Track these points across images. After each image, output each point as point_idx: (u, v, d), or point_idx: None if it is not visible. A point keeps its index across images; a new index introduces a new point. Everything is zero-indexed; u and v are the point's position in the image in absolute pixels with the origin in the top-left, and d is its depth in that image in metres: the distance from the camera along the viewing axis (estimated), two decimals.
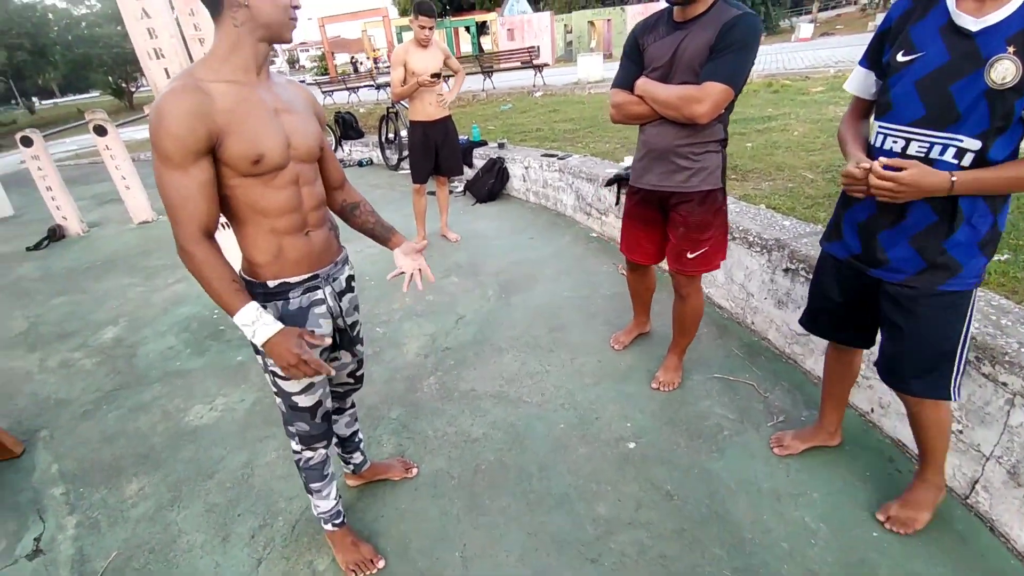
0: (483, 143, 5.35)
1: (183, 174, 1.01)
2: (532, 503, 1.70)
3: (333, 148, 7.30)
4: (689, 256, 1.83)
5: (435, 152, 3.58)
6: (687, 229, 1.80)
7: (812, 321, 1.60)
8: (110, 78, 25.27)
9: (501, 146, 5.03)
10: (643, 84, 1.66)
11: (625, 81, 1.73)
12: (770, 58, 12.23)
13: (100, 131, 5.10)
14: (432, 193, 4.07)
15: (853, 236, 1.34)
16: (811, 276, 2.06)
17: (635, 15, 23.96)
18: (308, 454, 1.44)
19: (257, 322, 1.09)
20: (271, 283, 1.20)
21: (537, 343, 2.54)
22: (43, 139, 5.11)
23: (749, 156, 3.92)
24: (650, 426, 1.96)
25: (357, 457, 1.76)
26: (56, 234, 5.09)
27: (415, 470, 1.86)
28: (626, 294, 2.92)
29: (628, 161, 3.84)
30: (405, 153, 6.29)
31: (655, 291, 2.39)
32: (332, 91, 13.91)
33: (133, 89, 26.76)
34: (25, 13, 20.58)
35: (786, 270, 2.24)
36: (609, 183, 3.49)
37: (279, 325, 1.11)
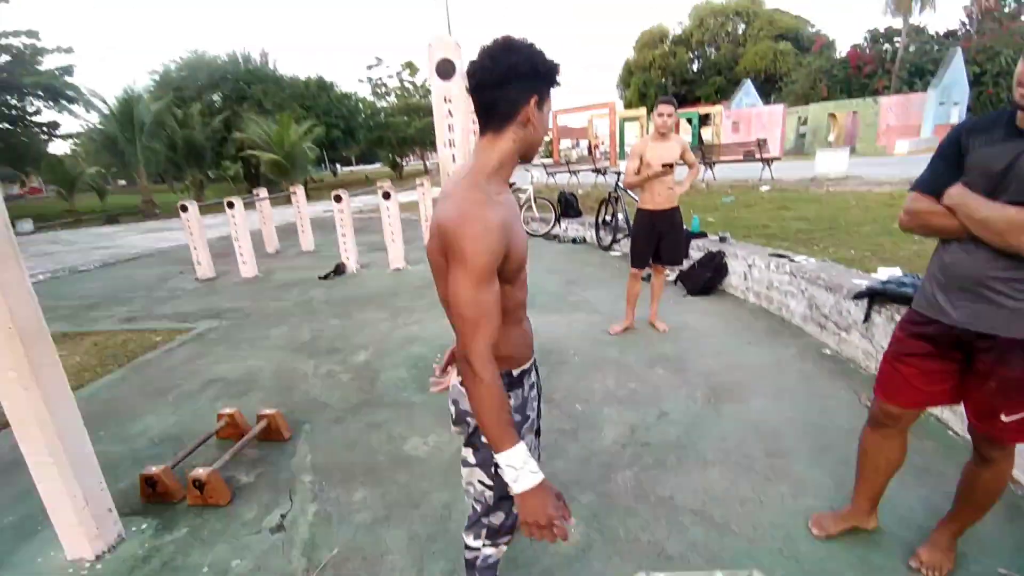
0: (702, 235, 5.22)
1: (488, 287, 0.99)
2: None
3: (552, 225, 8.04)
4: (1005, 419, 1.39)
5: (658, 240, 3.63)
6: (1006, 385, 1.37)
7: None
8: (391, 155, 32.73)
9: (723, 240, 4.84)
10: (961, 195, 1.34)
11: (932, 185, 1.42)
12: None
13: (386, 196, 6.55)
14: (646, 279, 4.09)
15: None
16: None
17: (890, 106, 21.29)
18: (489, 551, 1.35)
19: (524, 467, 1.00)
20: (515, 371, 1.20)
21: (751, 465, 2.25)
22: (349, 198, 6.79)
23: None
24: None
25: None
26: (340, 269, 6.60)
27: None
28: None
29: (883, 273, 3.30)
30: (619, 235, 6.52)
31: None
32: (555, 172, 15.44)
33: (405, 164, 34.23)
34: (343, 101, 28.40)
35: None
36: (858, 296, 3.03)
37: (541, 476, 1.02)
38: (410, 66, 32.15)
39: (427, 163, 39.63)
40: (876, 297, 2.93)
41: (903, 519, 1.88)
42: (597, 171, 10.36)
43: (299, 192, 8.68)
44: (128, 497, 2.34)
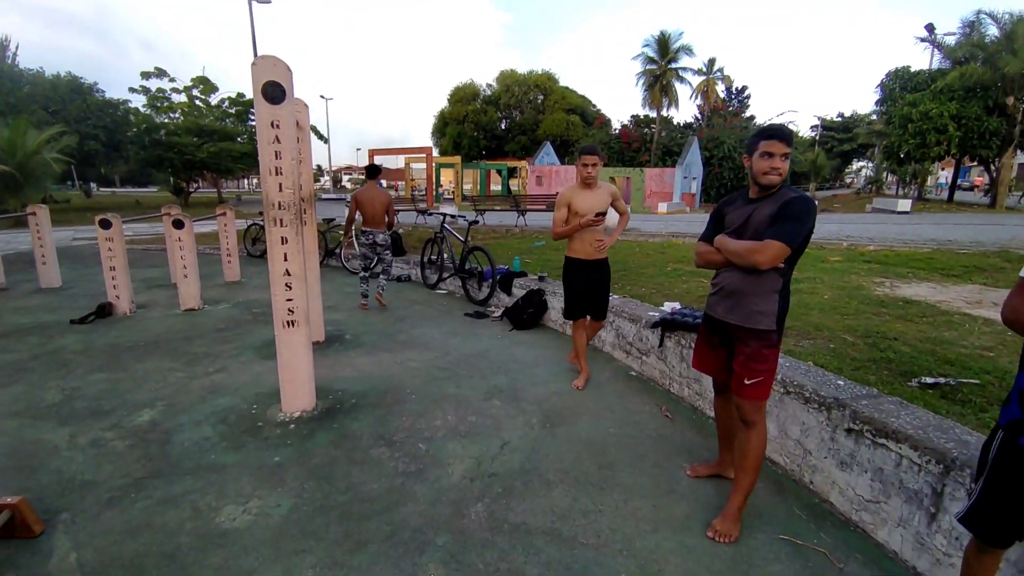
0: (523, 274, 5.67)
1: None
2: None
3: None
4: (747, 382, 2.05)
5: (590, 291, 3.50)
6: (746, 359, 2.07)
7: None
8: (172, 179, 27.78)
9: (542, 279, 5.33)
10: (721, 240, 2.13)
11: (707, 238, 2.23)
12: None
13: (178, 224, 5.54)
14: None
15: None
16: (877, 440, 2.09)
17: (652, 176, 26.67)
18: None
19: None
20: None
21: (587, 479, 2.46)
22: (121, 224, 5.54)
23: None
24: None
25: None
26: (104, 311, 5.26)
27: None
28: (673, 437, 2.91)
29: (667, 307, 4.03)
30: (444, 274, 6.66)
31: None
32: None
33: (192, 190, 29.22)
34: (106, 109, 23.15)
35: (848, 431, 2.24)
36: (653, 325, 3.64)
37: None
38: (204, 82, 27.88)
39: (221, 191, 34.52)
40: (667, 326, 3.56)
41: (706, 505, 2.27)
42: (421, 212, 10.44)
43: (41, 214, 6.76)
44: None
